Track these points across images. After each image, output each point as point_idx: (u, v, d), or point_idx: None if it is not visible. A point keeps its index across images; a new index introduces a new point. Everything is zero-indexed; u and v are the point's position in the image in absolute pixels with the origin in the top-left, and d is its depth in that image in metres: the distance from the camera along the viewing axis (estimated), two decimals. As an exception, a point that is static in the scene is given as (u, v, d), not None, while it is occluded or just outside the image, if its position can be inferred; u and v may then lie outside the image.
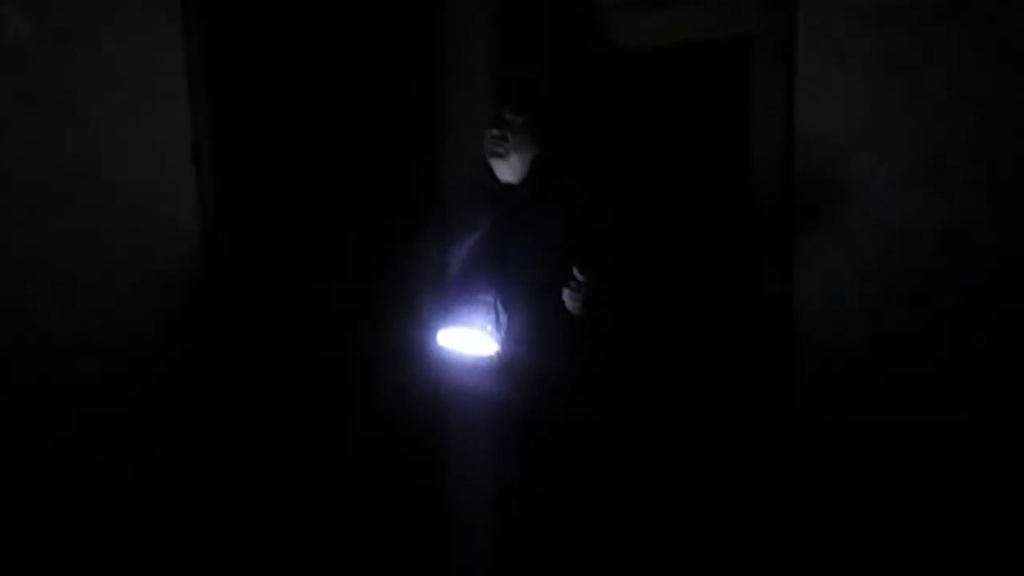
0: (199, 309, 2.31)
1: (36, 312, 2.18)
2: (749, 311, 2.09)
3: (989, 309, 1.82)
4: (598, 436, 1.97)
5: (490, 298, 1.90)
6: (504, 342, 1.91)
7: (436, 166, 2.25)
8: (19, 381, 2.14)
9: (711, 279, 2.28)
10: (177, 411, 2.30)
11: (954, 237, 1.84)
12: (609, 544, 2.02)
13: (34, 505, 2.15)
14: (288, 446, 2.34)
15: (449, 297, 1.98)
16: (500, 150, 1.92)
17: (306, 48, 2.40)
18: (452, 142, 2.30)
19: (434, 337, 1.94)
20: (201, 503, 2.29)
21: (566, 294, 1.87)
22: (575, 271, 1.85)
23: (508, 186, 1.98)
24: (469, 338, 1.91)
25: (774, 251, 2.02)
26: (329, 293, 2.31)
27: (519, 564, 1.92)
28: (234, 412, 2.31)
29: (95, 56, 2.22)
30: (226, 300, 2.31)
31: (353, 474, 2.29)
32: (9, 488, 2.13)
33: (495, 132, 1.92)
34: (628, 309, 1.90)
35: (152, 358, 2.29)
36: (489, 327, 1.87)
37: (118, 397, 2.25)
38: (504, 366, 1.92)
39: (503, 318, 1.91)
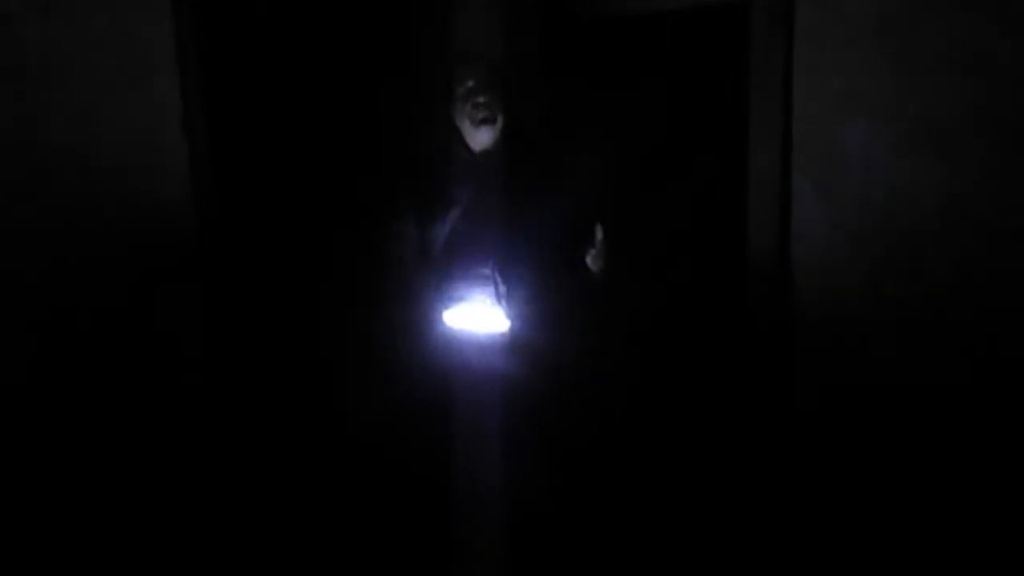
0: (191, 289, 2.29)
1: (20, 290, 2.16)
2: (744, 280, 2.09)
3: (986, 275, 1.83)
4: (613, 415, 1.98)
5: (488, 271, 1.90)
6: (512, 317, 1.92)
7: (429, 138, 2.23)
8: (6, 362, 2.13)
9: (705, 247, 2.28)
10: (170, 395, 2.30)
11: (952, 202, 1.83)
12: (620, 530, 2.04)
13: (33, 510, 2.15)
14: (285, 433, 2.35)
15: (441, 275, 1.97)
16: (490, 115, 1.93)
17: (298, 18, 2.36)
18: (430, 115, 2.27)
19: (436, 316, 1.95)
20: (200, 494, 2.30)
21: (590, 256, 1.89)
22: (596, 232, 1.87)
23: (483, 155, 1.97)
24: (476, 315, 1.92)
25: (770, 218, 2.02)
26: (324, 272, 2.30)
27: (528, 555, 1.94)
28: (228, 396, 2.31)
29: (80, 27, 2.17)
30: (219, 280, 2.30)
31: (354, 461, 2.30)
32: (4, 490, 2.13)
33: (482, 99, 1.93)
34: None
35: (143, 341, 2.28)
36: (491, 301, 1.88)
37: (106, 380, 2.24)
38: (515, 342, 1.93)
39: (503, 289, 1.91)
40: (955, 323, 1.87)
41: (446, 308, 1.95)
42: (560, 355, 1.94)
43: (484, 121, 1.93)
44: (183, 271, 2.28)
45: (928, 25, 1.82)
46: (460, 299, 1.93)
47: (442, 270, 1.97)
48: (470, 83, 1.93)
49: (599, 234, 1.88)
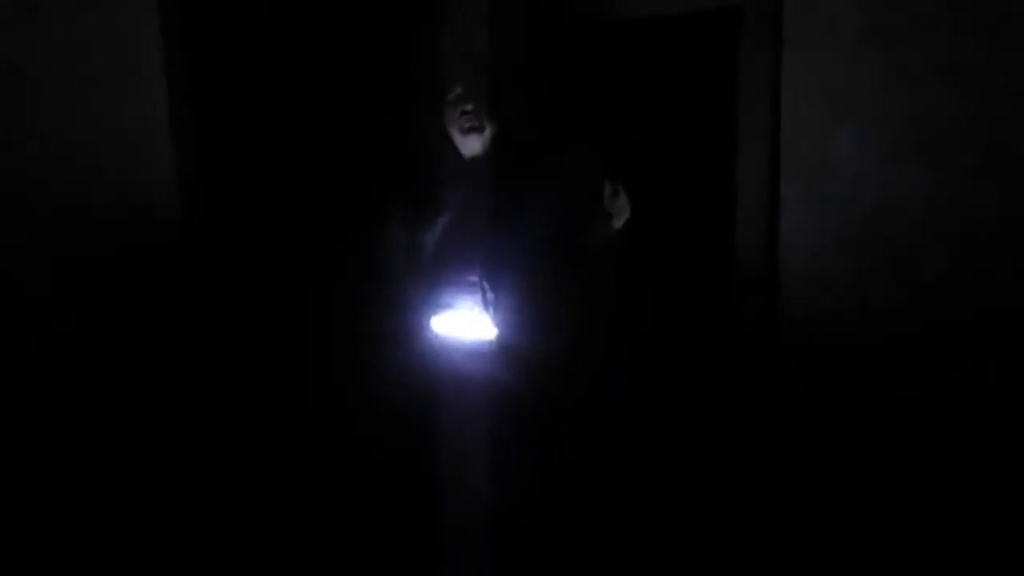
0: (178, 293, 2.29)
1: (4, 289, 2.15)
2: (732, 286, 2.10)
3: (972, 282, 1.84)
4: (600, 422, 1.99)
5: (476, 278, 1.91)
6: (500, 324, 1.92)
7: (414, 145, 2.23)
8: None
9: (693, 254, 2.29)
10: (155, 395, 2.29)
11: (937, 209, 1.84)
12: (607, 536, 2.06)
13: (27, 508, 2.15)
14: (270, 437, 2.35)
15: (431, 281, 1.97)
16: (477, 124, 1.93)
17: (289, 19, 2.35)
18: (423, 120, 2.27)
19: (424, 323, 1.95)
20: (185, 492, 2.29)
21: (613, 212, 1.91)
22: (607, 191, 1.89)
23: (474, 162, 1.97)
24: (464, 322, 1.92)
25: (758, 224, 2.02)
26: (311, 277, 2.30)
27: (515, 560, 1.95)
28: (213, 401, 2.31)
29: (66, 28, 2.15)
30: (206, 283, 2.29)
31: (340, 467, 2.31)
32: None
33: (468, 107, 1.92)
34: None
35: (127, 341, 2.27)
36: (479, 308, 1.88)
37: (90, 379, 2.23)
38: (502, 350, 1.93)
39: (491, 297, 1.92)
40: (940, 327, 1.88)
41: (434, 315, 1.95)
42: (547, 362, 1.95)
43: (471, 129, 1.93)
44: (169, 272, 2.27)
45: (914, 35, 1.82)
46: (448, 306, 1.94)
47: (430, 276, 1.97)
48: (459, 90, 1.93)
49: (608, 191, 1.89)
